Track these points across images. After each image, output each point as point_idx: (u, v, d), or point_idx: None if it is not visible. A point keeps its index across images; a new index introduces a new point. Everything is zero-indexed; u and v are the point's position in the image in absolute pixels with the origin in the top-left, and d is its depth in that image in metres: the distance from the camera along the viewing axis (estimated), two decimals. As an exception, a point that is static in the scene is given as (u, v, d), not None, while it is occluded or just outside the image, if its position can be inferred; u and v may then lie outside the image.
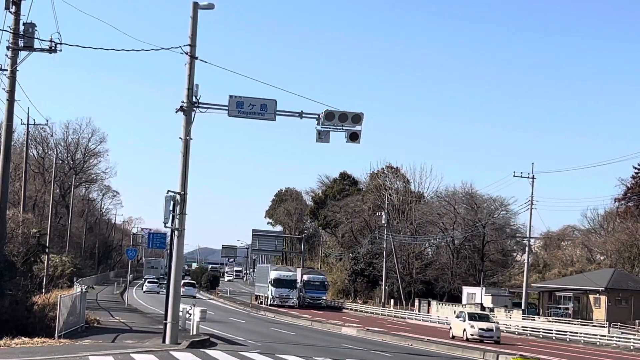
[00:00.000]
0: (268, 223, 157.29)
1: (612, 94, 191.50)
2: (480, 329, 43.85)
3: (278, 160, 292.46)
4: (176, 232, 25.87)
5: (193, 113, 26.11)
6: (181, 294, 29.29)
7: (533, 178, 66.94)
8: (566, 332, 53.64)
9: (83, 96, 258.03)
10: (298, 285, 79.78)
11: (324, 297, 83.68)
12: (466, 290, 78.04)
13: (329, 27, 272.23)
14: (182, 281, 50.36)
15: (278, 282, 78.02)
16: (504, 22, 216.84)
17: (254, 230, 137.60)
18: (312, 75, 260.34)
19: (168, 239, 32.70)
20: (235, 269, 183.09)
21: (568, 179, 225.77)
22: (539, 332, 55.62)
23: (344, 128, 26.72)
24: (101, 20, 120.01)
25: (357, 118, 26.64)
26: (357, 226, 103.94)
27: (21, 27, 27.58)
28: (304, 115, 26.95)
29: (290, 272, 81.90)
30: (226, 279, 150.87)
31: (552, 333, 54.28)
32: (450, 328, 47.52)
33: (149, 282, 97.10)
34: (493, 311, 67.57)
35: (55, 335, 25.96)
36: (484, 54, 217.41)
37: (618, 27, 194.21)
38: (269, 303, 77.47)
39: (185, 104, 25.96)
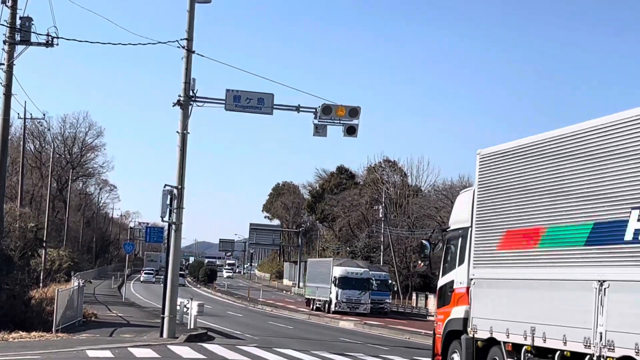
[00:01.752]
0: (265, 217, 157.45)
1: (610, 90, 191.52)
2: None
3: (275, 154, 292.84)
4: (173, 226, 25.88)
5: (190, 107, 26.11)
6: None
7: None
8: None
9: (80, 90, 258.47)
10: (372, 286, 61.64)
11: (388, 300, 65.66)
12: (463, 283, 78.03)
13: (326, 21, 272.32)
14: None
15: (345, 282, 59.35)
16: (500, 17, 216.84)
17: (251, 224, 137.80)
18: (309, 69, 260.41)
19: (165, 233, 32.72)
20: (228, 262, 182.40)
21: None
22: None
23: (341, 122, 26.70)
24: (98, 14, 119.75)
25: (354, 112, 26.62)
26: (354, 220, 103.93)
27: (18, 21, 27.56)
28: (301, 109, 26.94)
29: (361, 268, 62.27)
30: (225, 274, 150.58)
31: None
32: None
33: (145, 273, 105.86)
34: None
35: (53, 329, 25.96)
36: (481, 48, 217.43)
37: (616, 23, 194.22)
38: (332, 309, 58.84)
39: (182, 98, 25.95)
